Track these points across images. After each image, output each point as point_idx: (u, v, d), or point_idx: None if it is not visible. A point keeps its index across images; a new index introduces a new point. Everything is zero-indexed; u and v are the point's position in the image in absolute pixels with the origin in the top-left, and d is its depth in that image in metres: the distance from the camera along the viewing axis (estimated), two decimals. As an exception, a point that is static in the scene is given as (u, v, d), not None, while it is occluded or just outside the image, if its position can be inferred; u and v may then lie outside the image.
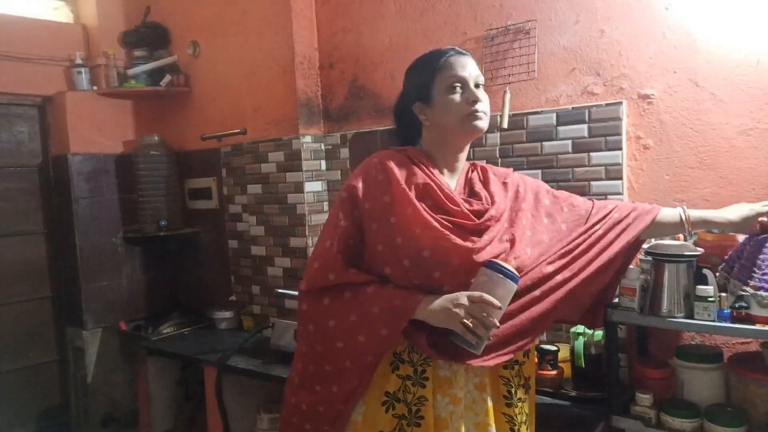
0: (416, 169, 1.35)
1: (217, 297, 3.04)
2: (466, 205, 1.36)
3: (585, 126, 2.00)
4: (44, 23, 3.01)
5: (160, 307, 3.21)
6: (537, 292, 1.35)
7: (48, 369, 3.08)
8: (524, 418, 1.38)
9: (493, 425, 1.32)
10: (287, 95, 2.65)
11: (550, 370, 1.88)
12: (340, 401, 1.32)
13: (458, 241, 1.27)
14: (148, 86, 3.06)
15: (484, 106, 1.36)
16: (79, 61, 3.00)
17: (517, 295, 1.29)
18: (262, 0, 2.70)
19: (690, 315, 1.54)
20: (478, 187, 1.44)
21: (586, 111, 2.00)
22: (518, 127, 2.14)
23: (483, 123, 1.36)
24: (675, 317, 1.56)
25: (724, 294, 1.51)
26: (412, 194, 1.30)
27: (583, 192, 2.02)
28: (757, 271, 1.48)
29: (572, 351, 1.83)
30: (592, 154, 2.00)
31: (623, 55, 1.94)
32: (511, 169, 1.54)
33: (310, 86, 2.71)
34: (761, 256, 1.49)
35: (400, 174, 1.33)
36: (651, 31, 1.89)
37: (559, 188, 2.05)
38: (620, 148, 1.94)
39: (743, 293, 1.45)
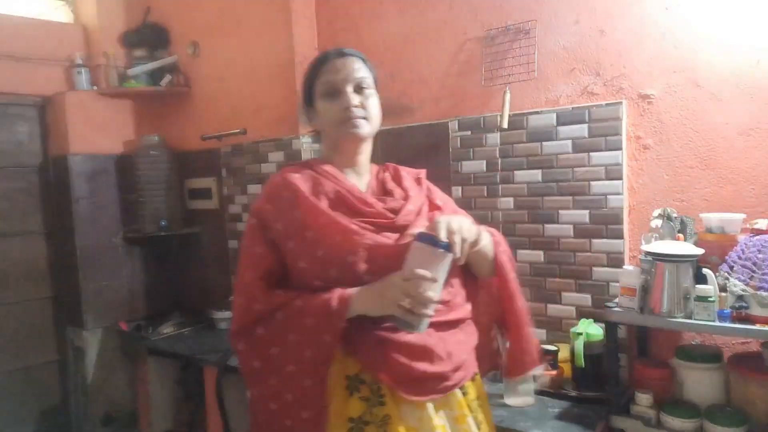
0: (322, 179, 1.31)
1: (217, 297, 3.03)
2: (381, 204, 1.31)
3: (585, 126, 2.00)
4: (44, 23, 3.01)
5: (160, 307, 3.21)
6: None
7: (48, 369, 3.08)
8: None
9: (470, 415, 1.30)
10: (287, 95, 2.64)
11: (550, 370, 1.88)
12: (315, 424, 1.22)
13: (381, 239, 1.24)
14: (148, 86, 3.07)
15: (362, 111, 1.31)
16: (79, 61, 3.00)
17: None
18: (262, 0, 2.70)
19: (690, 315, 1.55)
20: (391, 185, 1.41)
21: (586, 111, 2.00)
22: (518, 127, 2.14)
23: (361, 129, 1.31)
24: (675, 317, 1.56)
25: (724, 294, 1.51)
26: (323, 204, 1.26)
27: (583, 192, 2.02)
28: (757, 271, 1.48)
29: (572, 351, 1.83)
30: (592, 154, 2.00)
31: (623, 55, 1.94)
32: (424, 170, 1.52)
33: (310, 86, 2.71)
34: (761, 256, 1.49)
35: (306, 187, 1.29)
36: (651, 31, 1.89)
37: (559, 188, 2.07)
38: (620, 148, 1.94)
39: (743, 293, 1.45)
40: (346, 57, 1.36)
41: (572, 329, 1.88)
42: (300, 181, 1.30)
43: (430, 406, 1.24)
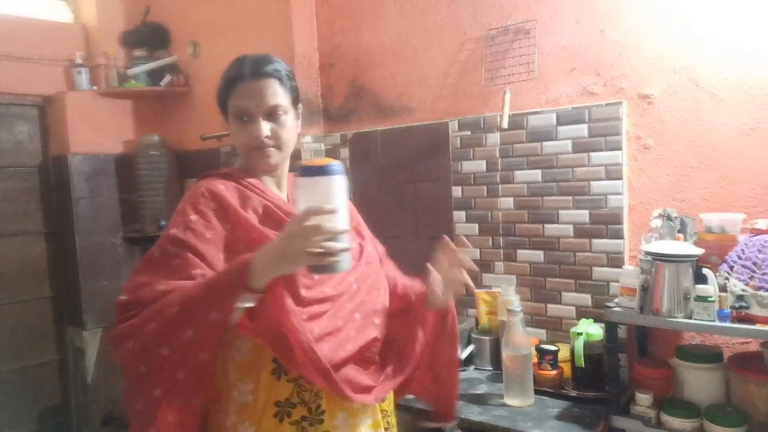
0: (248, 192, 1.26)
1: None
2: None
3: (585, 126, 2.00)
4: (44, 23, 3.01)
5: (160, 307, 3.20)
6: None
7: (48, 369, 3.08)
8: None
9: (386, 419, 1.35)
10: (287, 95, 2.64)
11: (550, 370, 1.88)
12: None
13: None
14: (148, 86, 3.07)
15: (272, 140, 1.26)
16: (79, 61, 3.00)
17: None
18: (262, 0, 2.70)
19: (690, 315, 1.55)
20: None
21: (586, 111, 2.00)
22: (518, 127, 2.14)
23: (271, 159, 1.27)
24: (675, 317, 1.56)
25: (724, 294, 1.51)
26: (252, 218, 1.22)
27: (583, 192, 2.02)
28: (757, 271, 1.48)
29: (572, 351, 1.83)
30: (592, 154, 2.00)
31: (623, 55, 1.94)
32: None
33: (310, 86, 2.71)
34: (761, 256, 1.49)
35: (233, 199, 1.23)
36: (651, 31, 1.89)
37: (559, 188, 2.07)
38: (620, 148, 1.94)
39: (743, 293, 1.45)
40: (261, 79, 1.26)
41: (572, 329, 1.88)
42: (227, 193, 1.23)
43: (361, 415, 1.26)
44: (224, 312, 1.06)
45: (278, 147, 1.28)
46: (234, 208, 1.21)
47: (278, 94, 1.27)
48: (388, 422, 1.36)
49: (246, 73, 1.27)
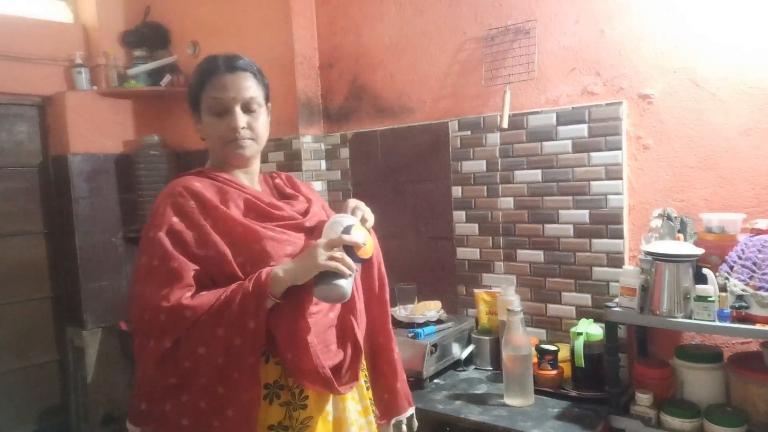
0: (226, 187, 1.28)
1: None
2: (289, 207, 1.33)
3: (585, 126, 2.00)
4: (44, 23, 3.01)
5: (160, 307, 3.20)
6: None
7: (48, 369, 3.08)
8: None
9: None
10: (287, 95, 2.65)
11: (550, 370, 1.88)
12: (242, 423, 1.18)
13: (295, 237, 1.28)
14: (148, 86, 3.06)
15: (248, 131, 1.29)
16: (79, 61, 3.00)
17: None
18: (262, 0, 2.70)
19: (690, 315, 1.55)
20: (289, 190, 1.42)
21: (586, 111, 2.00)
22: (518, 127, 2.14)
23: (247, 150, 1.30)
24: (675, 317, 1.56)
25: (724, 294, 1.51)
26: (235, 213, 1.24)
27: (583, 192, 2.02)
28: (757, 271, 1.48)
29: (572, 351, 1.83)
30: (592, 154, 2.00)
31: (623, 55, 1.94)
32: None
33: (310, 86, 2.71)
34: (761, 256, 1.49)
35: (212, 196, 1.25)
36: (651, 31, 1.89)
37: (559, 188, 2.07)
38: (620, 148, 1.94)
39: (743, 293, 1.45)
40: (236, 72, 1.30)
41: (572, 329, 1.88)
42: (204, 190, 1.25)
43: (349, 396, 1.31)
44: (260, 319, 1.15)
45: (254, 139, 1.31)
46: (214, 204, 1.24)
47: (253, 87, 1.31)
48: (373, 410, 1.41)
49: (221, 66, 1.30)
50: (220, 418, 1.16)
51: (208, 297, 1.17)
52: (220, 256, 1.20)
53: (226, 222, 1.22)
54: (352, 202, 1.36)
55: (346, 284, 1.18)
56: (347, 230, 1.23)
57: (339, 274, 1.17)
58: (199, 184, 1.26)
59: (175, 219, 1.21)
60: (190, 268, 1.18)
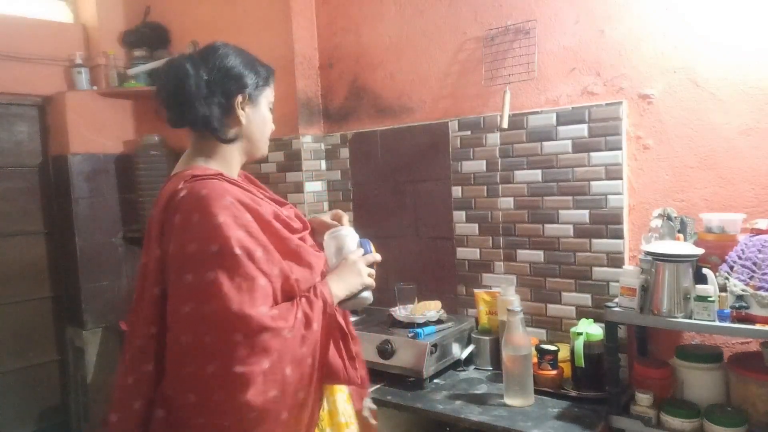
0: (257, 199, 1.26)
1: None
2: (293, 214, 1.39)
3: (585, 126, 2.00)
4: (44, 23, 3.01)
5: (160, 307, 3.20)
6: None
7: (48, 369, 3.08)
8: None
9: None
10: (287, 95, 2.65)
11: (550, 370, 1.88)
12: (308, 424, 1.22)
13: (317, 251, 1.34)
14: (148, 86, 3.06)
15: None
16: (79, 61, 3.00)
17: None
18: (262, 0, 2.70)
19: (690, 315, 1.55)
20: (271, 195, 1.42)
21: (586, 111, 2.00)
22: (518, 127, 2.14)
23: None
24: (675, 317, 1.56)
25: (724, 294, 1.51)
26: (278, 226, 1.24)
27: (583, 192, 2.02)
28: (757, 271, 1.48)
29: (572, 351, 1.83)
30: (592, 154, 2.00)
31: (623, 55, 1.94)
32: None
33: (310, 86, 2.71)
34: (761, 256, 1.49)
35: (259, 209, 1.21)
36: (651, 31, 1.89)
37: (559, 188, 2.07)
38: (620, 148, 1.94)
39: (743, 293, 1.45)
40: None
41: (572, 329, 1.88)
42: (251, 202, 1.21)
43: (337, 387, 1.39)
44: (339, 326, 1.25)
45: None
46: (266, 219, 1.21)
47: None
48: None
49: (273, 69, 1.37)
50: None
51: (290, 314, 1.15)
52: (285, 273, 1.18)
53: (278, 237, 1.21)
54: (343, 214, 1.48)
55: (371, 294, 1.33)
56: (366, 247, 1.37)
57: (368, 286, 1.32)
58: (241, 194, 1.20)
59: (241, 233, 1.13)
60: (271, 286, 1.14)
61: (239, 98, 1.27)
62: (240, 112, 1.27)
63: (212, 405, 1.07)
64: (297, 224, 1.33)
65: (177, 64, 1.25)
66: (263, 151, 1.37)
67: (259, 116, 1.31)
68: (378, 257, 1.37)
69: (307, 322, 1.15)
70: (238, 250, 1.10)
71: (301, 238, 1.31)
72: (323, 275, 1.29)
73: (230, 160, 1.31)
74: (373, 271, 1.34)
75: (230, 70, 1.26)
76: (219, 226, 1.11)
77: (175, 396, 1.10)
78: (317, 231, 1.46)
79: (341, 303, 1.27)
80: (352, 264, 1.30)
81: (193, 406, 1.08)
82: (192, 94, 1.22)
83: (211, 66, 1.25)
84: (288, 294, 1.19)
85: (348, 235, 1.36)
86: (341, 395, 1.39)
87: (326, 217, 1.50)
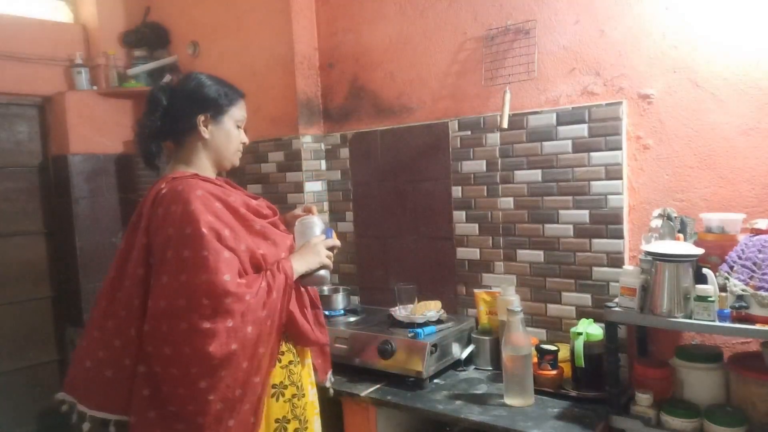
0: (227, 191, 1.52)
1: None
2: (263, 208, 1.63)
3: (585, 126, 2.00)
4: (44, 23, 3.01)
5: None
6: None
7: (48, 369, 3.08)
8: None
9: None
10: (287, 95, 2.65)
11: (550, 370, 1.88)
12: (263, 386, 1.45)
13: (278, 231, 1.60)
14: (148, 86, 3.06)
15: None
16: (79, 61, 3.00)
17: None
18: (262, 0, 2.70)
19: (690, 315, 1.55)
20: (242, 191, 1.67)
21: (586, 111, 2.00)
22: (518, 127, 2.14)
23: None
24: (675, 317, 1.56)
25: (724, 294, 1.51)
26: (247, 214, 1.50)
27: (583, 192, 2.02)
28: (757, 271, 1.48)
29: (572, 351, 1.83)
30: (592, 154, 2.00)
31: (623, 55, 1.94)
32: None
33: (310, 86, 2.71)
34: (761, 256, 1.49)
35: (228, 198, 1.48)
36: (651, 31, 1.89)
37: (559, 188, 2.07)
38: (620, 148, 1.94)
39: (743, 293, 1.45)
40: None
41: (572, 329, 1.88)
42: (221, 193, 1.48)
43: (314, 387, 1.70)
44: (288, 304, 1.49)
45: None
46: (234, 206, 1.48)
47: None
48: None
49: (241, 93, 1.63)
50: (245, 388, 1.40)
51: (255, 283, 1.40)
52: (251, 249, 1.44)
53: (245, 220, 1.48)
54: (312, 206, 1.75)
55: (328, 273, 1.58)
56: (328, 233, 1.61)
57: (325, 266, 1.56)
58: (213, 188, 1.47)
59: (210, 218, 1.38)
60: (236, 259, 1.39)
61: (201, 118, 1.53)
62: (202, 128, 1.54)
63: (183, 356, 1.32)
64: (266, 211, 1.61)
65: (151, 94, 1.56)
66: (232, 161, 1.62)
67: (222, 133, 1.57)
68: (337, 242, 1.62)
69: (269, 291, 1.41)
70: (206, 231, 1.35)
71: (272, 223, 1.58)
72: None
73: (204, 169, 1.56)
74: (331, 254, 1.59)
75: (193, 94, 1.55)
76: (191, 213, 1.37)
77: (153, 351, 1.36)
78: (290, 223, 1.70)
79: (301, 278, 1.52)
80: (313, 246, 1.56)
81: (168, 357, 1.34)
82: (148, 128, 1.56)
83: (179, 93, 1.56)
84: (256, 266, 1.45)
85: (314, 222, 1.62)
86: (312, 390, 1.67)
87: (298, 211, 1.77)
